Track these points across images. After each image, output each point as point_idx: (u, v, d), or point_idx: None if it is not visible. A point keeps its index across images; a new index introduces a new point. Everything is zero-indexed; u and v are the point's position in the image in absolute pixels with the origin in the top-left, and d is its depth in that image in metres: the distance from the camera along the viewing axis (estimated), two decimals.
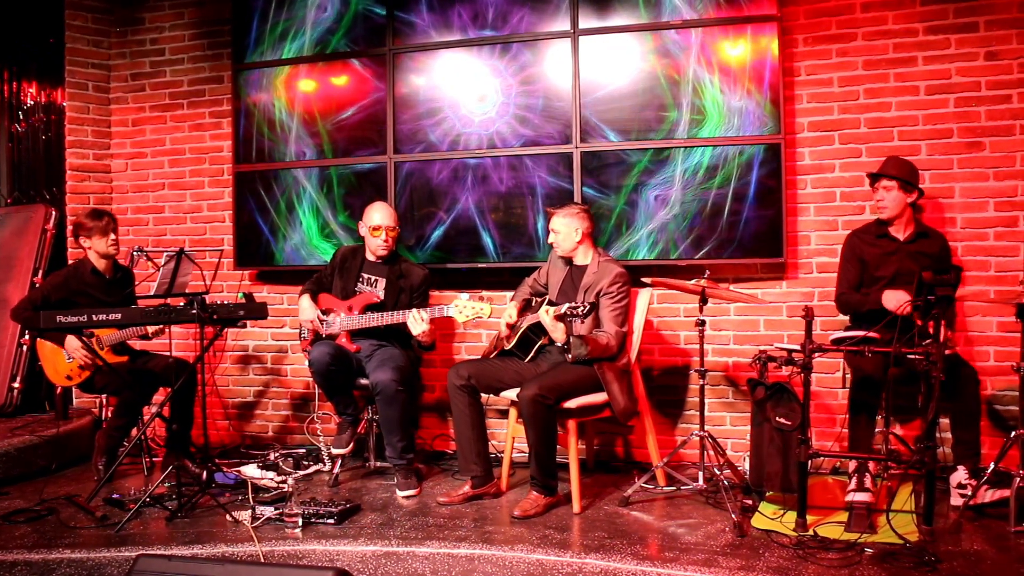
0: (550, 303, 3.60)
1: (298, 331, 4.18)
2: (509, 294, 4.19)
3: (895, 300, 3.38)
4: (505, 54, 4.33)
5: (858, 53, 4.00)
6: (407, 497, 3.69)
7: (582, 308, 3.36)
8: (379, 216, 3.99)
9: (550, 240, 3.77)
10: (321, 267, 4.33)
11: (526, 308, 3.88)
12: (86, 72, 5.10)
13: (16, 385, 4.80)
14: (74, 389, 4.52)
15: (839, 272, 3.77)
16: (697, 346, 3.64)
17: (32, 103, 5.39)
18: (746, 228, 4.02)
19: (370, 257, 4.07)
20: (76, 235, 4.07)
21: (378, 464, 4.16)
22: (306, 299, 4.03)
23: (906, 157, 3.75)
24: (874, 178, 3.67)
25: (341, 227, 4.61)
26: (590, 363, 3.53)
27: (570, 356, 3.52)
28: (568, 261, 3.79)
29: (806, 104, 4.08)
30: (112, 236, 4.04)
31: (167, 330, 4.05)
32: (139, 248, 4.69)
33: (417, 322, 3.71)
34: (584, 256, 3.74)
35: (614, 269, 3.63)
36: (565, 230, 3.70)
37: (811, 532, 3.04)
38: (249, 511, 3.34)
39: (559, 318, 3.45)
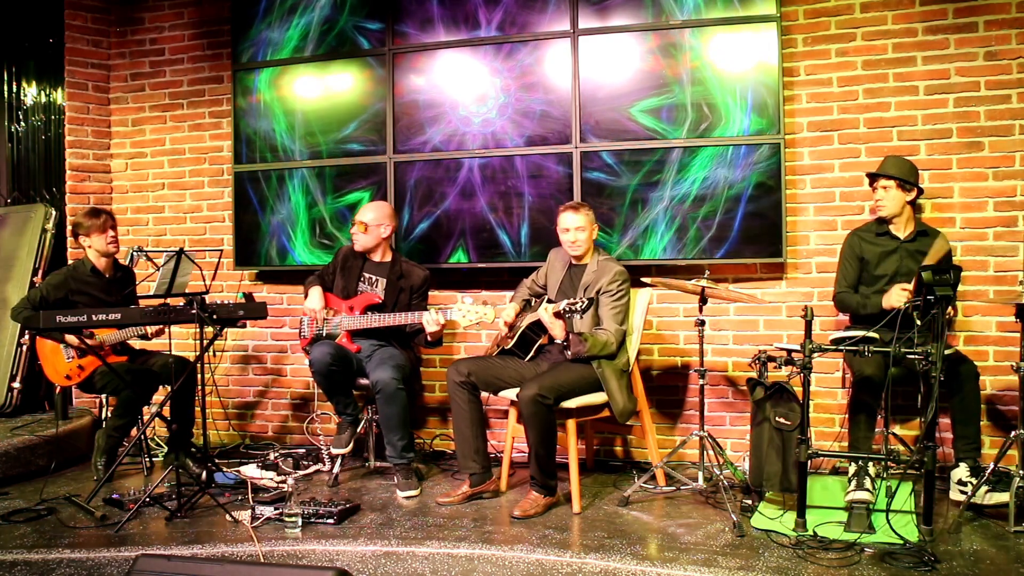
0: (549, 302, 3.60)
1: (298, 330, 4.18)
2: (508, 294, 4.19)
3: (895, 296, 3.39)
4: (505, 54, 4.33)
5: (857, 53, 4.00)
6: (408, 498, 3.69)
7: (580, 304, 3.38)
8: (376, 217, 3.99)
9: (571, 239, 3.69)
10: (318, 267, 4.34)
11: (525, 309, 3.88)
12: (86, 72, 5.10)
13: (16, 385, 4.80)
14: (73, 389, 4.52)
15: (838, 270, 3.78)
16: (697, 346, 3.64)
17: (32, 103, 5.39)
18: (745, 228, 4.02)
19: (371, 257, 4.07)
20: (75, 235, 4.06)
21: (378, 464, 4.16)
22: (317, 289, 4.03)
23: (905, 157, 3.76)
24: (873, 177, 3.67)
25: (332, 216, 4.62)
26: (589, 361, 3.53)
27: (569, 353, 3.52)
28: (567, 260, 3.79)
29: (805, 104, 4.08)
30: (111, 233, 4.03)
31: (167, 330, 4.05)
32: (139, 248, 4.70)
33: (432, 323, 3.74)
34: (586, 255, 3.74)
35: (614, 267, 3.63)
36: (589, 227, 3.70)
37: (810, 532, 3.04)
38: (249, 511, 3.34)
39: (558, 315, 3.47)
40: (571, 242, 3.70)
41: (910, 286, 3.31)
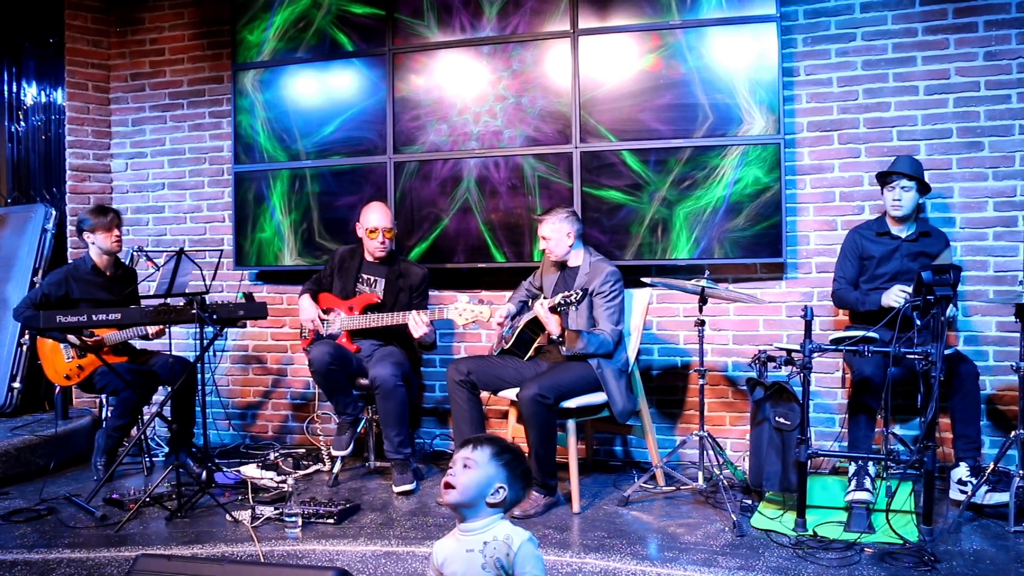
0: (544, 299, 3.62)
1: (299, 331, 4.18)
2: (508, 294, 4.19)
3: (894, 295, 3.40)
4: (505, 54, 4.33)
5: (857, 53, 4.00)
6: (402, 492, 3.69)
7: (575, 295, 3.40)
8: (375, 218, 3.98)
9: (541, 247, 3.74)
10: (319, 269, 4.34)
11: (522, 311, 3.89)
12: (86, 72, 5.10)
13: (16, 385, 4.80)
14: (74, 389, 4.52)
15: (837, 266, 3.79)
16: (697, 346, 3.64)
17: (32, 103, 5.39)
18: (745, 228, 4.02)
19: (368, 258, 4.06)
20: (80, 231, 4.06)
21: (378, 464, 4.16)
22: (307, 299, 4.04)
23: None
24: (887, 177, 3.63)
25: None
26: (588, 361, 3.53)
27: (564, 349, 3.52)
28: (561, 264, 3.79)
29: (805, 104, 4.08)
30: (116, 232, 4.04)
31: (167, 330, 4.05)
32: (139, 248, 4.70)
33: (418, 325, 3.72)
34: (576, 258, 3.73)
35: (606, 268, 3.63)
36: (555, 236, 3.68)
37: (810, 532, 3.04)
38: (249, 511, 3.34)
39: (553, 309, 3.48)
40: (544, 250, 3.74)
41: (909, 288, 3.30)
